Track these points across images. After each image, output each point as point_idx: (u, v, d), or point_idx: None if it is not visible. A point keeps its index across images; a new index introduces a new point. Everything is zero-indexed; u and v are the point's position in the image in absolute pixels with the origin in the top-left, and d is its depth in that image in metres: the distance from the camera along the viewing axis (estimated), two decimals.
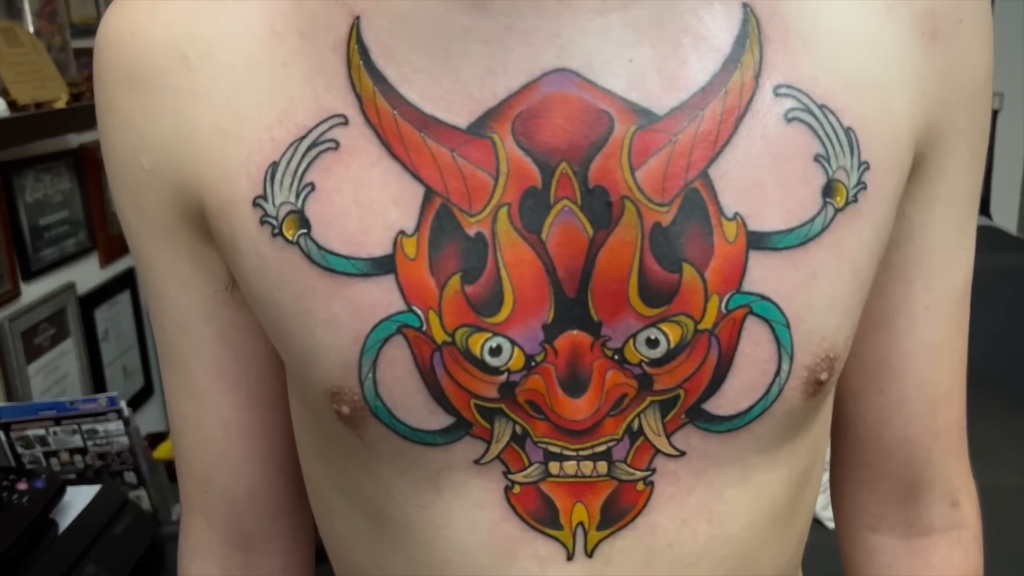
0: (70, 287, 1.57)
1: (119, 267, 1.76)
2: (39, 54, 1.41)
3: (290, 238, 0.35)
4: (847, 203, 0.35)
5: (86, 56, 1.72)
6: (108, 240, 1.72)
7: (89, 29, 1.76)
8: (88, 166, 1.67)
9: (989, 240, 2.36)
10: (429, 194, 0.34)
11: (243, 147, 0.36)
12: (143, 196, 0.39)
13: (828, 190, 0.35)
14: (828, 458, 0.51)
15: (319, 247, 0.35)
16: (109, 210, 1.72)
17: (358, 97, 0.35)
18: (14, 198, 1.43)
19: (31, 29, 1.45)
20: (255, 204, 0.36)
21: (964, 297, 0.45)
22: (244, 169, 0.36)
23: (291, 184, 0.35)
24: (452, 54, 0.34)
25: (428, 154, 0.34)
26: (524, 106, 0.34)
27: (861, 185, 0.36)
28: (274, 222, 0.35)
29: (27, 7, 1.42)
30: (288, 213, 0.35)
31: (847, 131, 0.35)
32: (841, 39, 0.36)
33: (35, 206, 1.50)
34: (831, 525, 0.54)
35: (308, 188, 0.35)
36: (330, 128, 0.35)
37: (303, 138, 0.35)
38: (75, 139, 1.61)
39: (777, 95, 0.35)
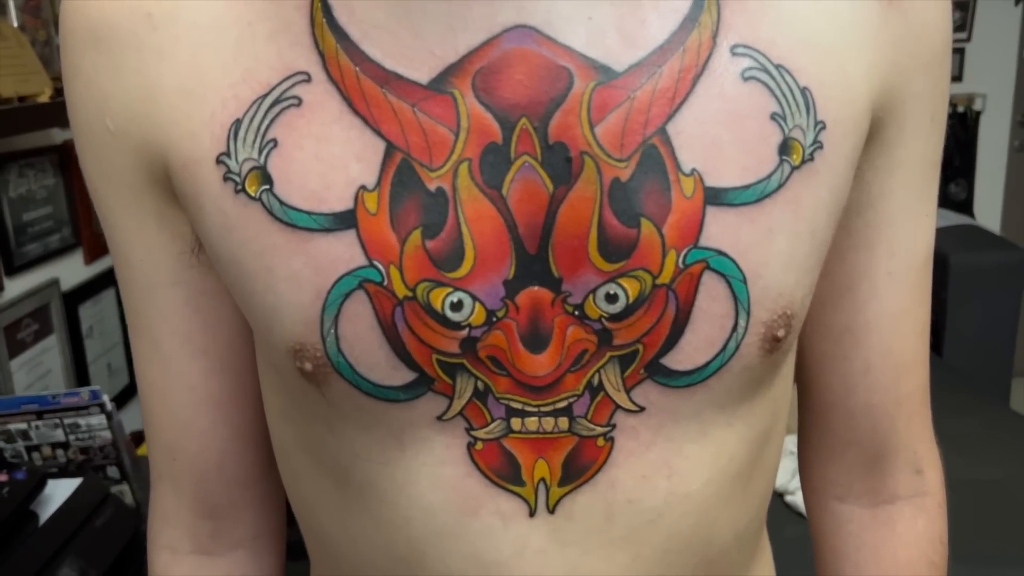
0: (54, 283, 1.57)
1: (104, 264, 1.75)
2: (23, 48, 1.41)
3: (252, 194, 0.35)
4: (803, 161, 0.36)
5: None
6: (93, 237, 1.72)
7: None
8: (73, 163, 1.66)
9: (973, 239, 2.38)
10: (390, 149, 0.34)
11: (207, 105, 0.36)
12: (108, 158, 0.40)
13: (784, 148, 0.36)
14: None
15: (281, 203, 0.35)
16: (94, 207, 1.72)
17: (321, 55, 0.35)
18: None
19: (15, 23, 1.45)
20: (218, 162, 0.36)
21: (926, 264, 0.45)
22: (208, 128, 0.36)
23: (254, 141, 0.35)
24: (413, 11, 0.34)
25: (389, 110, 0.34)
26: (484, 62, 0.34)
27: (817, 144, 0.36)
28: (237, 179, 0.36)
29: (11, 2, 1.42)
30: (251, 170, 0.35)
31: (803, 91, 0.36)
32: (800, 2, 0.37)
33: (18, 201, 1.49)
34: None
35: (271, 144, 0.35)
36: (293, 85, 0.35)
37: (266, 95, 0.35)
38: (59, 135, 1.60)
39: (734, 54, 0.35)
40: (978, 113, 2.82)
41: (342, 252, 0.35)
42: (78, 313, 1.66)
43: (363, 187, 0.34)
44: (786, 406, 0.45)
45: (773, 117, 0.35)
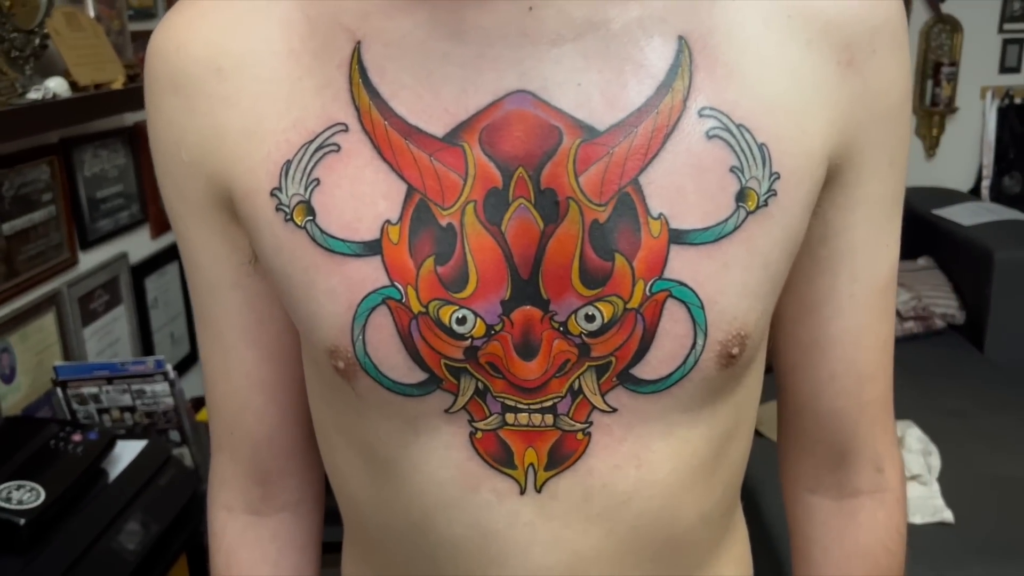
0: (123, 256, 1.68)
1: (169, 239, 1.87)
2: (98, 38, 1.51)
3: (299, 223, 0.43)
4: (758, 207, 0.42)
5: (142, 39, 1.82)
6: (159, 213, 1.83)
7: (146, 12, 1.87)
8: (142, 143, 1.77)
9: (1022, 235, 2.35)
10: (410, 191, 0.42)
11: (263, 146, 0.44)
12: (183, 182, 0.48)
13: (741, 196, 0.42)
14: None
15: (322, 231, 0.42)
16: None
17: (357, 109, 0.42)
18: (73, 172, 1.54)
19: (91, 14, 1.54)
20: (272, 194, 0.44)
21: (888, 286, 0.51)
22: (264, 165, 0.44)
23: (301, 179, 0.43)
24: (433, 75, 0.42)
25: (411, 157, 0.41)
26: (490, 120, 0.41)
27: (771, 192, 0.42)
28: (287, 210, 0.43)
29: None
30: (298, 203, 0.43)
31: (761, 147, 0.42)
32: (765, 67, 0.42)
33: (92, 180, 1.61)
34: None
35: (315, 183, 0.43)
36: (334, 134, 0.42)
37: (312, 141, 0.43)
38: (130, 118, 1.71)
39: (701, 116, 0.41)
40: None
41: (370, 273, 0.42)
42: (144, 285, 1.77)
43: (388, 221, 0.42)
44: (752, 408, 0.51)
45: (732, 170, 0.42)
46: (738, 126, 0.42)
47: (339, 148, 0.42)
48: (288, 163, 0.43)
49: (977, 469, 1.69)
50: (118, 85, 1.50)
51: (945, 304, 2.36)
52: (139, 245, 1.77)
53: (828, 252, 0.49)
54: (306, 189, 0.43)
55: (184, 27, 0.46)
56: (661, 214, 0.41)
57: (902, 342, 2.12)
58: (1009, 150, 2.79)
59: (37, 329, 1.41)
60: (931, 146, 2.74)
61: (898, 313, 2.30)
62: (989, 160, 2.73)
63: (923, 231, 2.51)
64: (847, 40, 0.44)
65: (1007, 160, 2.80)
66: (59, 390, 1.38)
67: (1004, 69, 2.70)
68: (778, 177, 0.42)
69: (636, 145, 0.41)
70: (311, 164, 0.43)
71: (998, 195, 2.78)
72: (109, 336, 1.64)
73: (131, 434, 1.39)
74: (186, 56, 0.45)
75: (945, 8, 2.60)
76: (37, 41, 1.37)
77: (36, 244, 1.41)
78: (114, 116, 1.59)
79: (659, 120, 0.41)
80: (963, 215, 2.46)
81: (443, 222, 0.41)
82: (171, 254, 1.88)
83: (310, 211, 0.43)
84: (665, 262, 0.41)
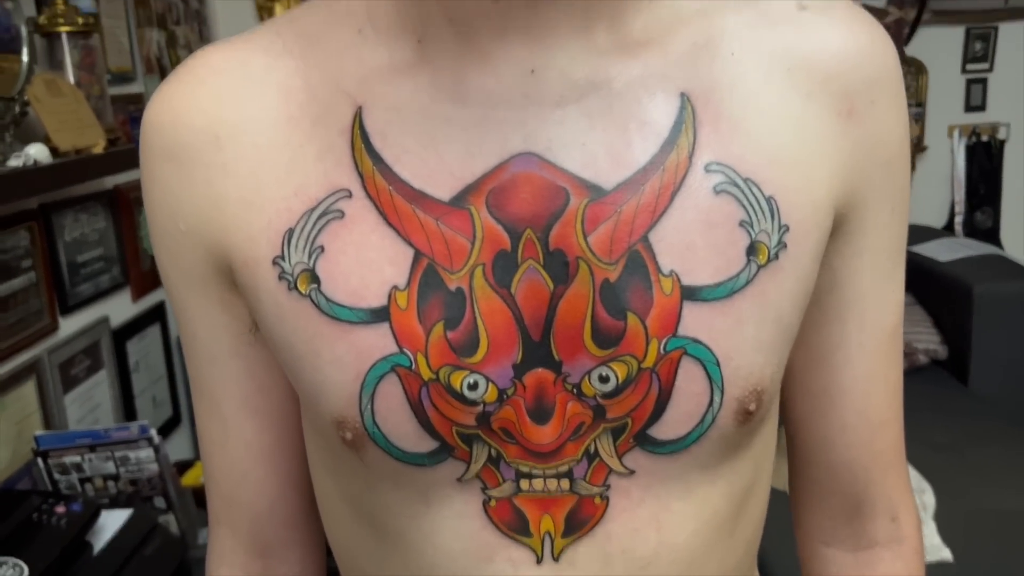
0: (104, 320, 1.66)
1: (150, 301, 1.85)
2: (79, 103, 1.51)
3: (303, 292, 0.42)
4: (769, 260, 0.42)
5: (121, 102, 1.82)
6: (140, 275, 1.81)
7: (125, 76, 1.87)
8: (122, 205, 1.76)
9: (998, 268, 2.39)
10: (418, 255, 0.41)
11: (264, 215, 0.43)
12: (180, 252, 0.47)
13: (751, 250, 0.42)
14: None
15: (327, 299, 0.42)
16: (141, 246, 1.82)
17: (360, 174, 0.42)
18: (54, 237, 1.52)
19: (71, 80, 1.54)
20: (274, 263, 0.43)
21: (895, 332, 0.51)
22: (265, 234, 0.43)
23: (304, 247, 0.42)
24: (437, 139, 0.41)
25: (417, 222, 0.41)
26: (496, 183, 0.41)
27: (782, 245, 0.42)
28: (290, 278, 0.42)
29: (68, 59, 1.52)
30: (302, 271, 0.42)
31: (768, 200, 0.42)
32: (768, 120, 0.43)
33: (73, 244, 1.59)
34: None
35: (318, 250, 0.42)
36: (337, 200, 0.42)
37: (315, 208, 0.42)
38: (110, 180, 1.70)
39: (708, 171, 0.41)
40: (1002, 142, 2.84)
41: (377, 341, 0.41)
42: (126, 348, 1.75)
43: (395, 287, 0.41)
44: (769, 461, 0.50)
45: (741, 224, 0.41)
46: (745, 180, 0.42)
47: (343, 214, 0.42)
48: (290, 231, 0.42)
49: (971, 504, 1.68)
50: (99, 150, 1.50)
51: (927, 340, 2.38)
52: (120, 308, 1.74)
53: (836, 301, 0.49)
54: (310, 257, 0.42)
55: (180, 97, 0.45)
56: (672, 271, 0.41)
57: None
58: (979, 186, 2.85)
59: (16, 398, 1.38)
60: None
61: None
62: (961, 196, 2.78)
63: None
64: (846, 91, 0.44)
65: (978, 196, 2.85)
66: (40, 460, 1.34)
67: (969, 108, 2.77)
68: (787, 229, 0.42)
69: (644, 203, 0.40)
70: (314, 231, 0.42)
71: (972, 230, 2.83)
72: (90, 402, 1.61)
73: (115, 503, 1.35)
74: (183, 126, 0.44)
75: (909, 51, 2.67)
76: (17, 108, 1.36)
77: (16, 311, 1.39)
78: (94, 180, 1.58)
79: (666, 177, 0.41)
80: (939, 251, 2.50)
81: (452, 286, 0.41)
82: (152, 316, 1.86)
83: (314, 279, 0.42)
84: (678, 319, 0.41)
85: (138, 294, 1.81)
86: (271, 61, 0.44)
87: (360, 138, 0.42)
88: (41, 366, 1.43)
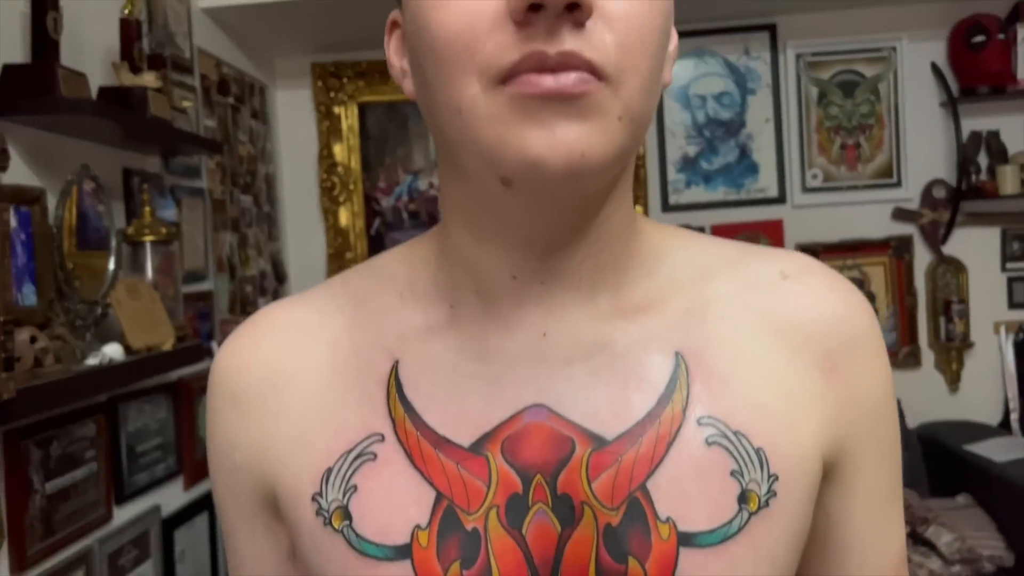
0: (155, 510, 1.70)
1: (201, 489, 1.89)
2: (154, 303, 1.64)
3: (336, 527, 0.47)
4: (760, 508, 0.46)
5: (192, 300, 1.96)
6: (194, 463, 1.87)
7: (198, 275, 2.02)
8: (183, 396, 1.86)
9: None
10: (439, 497, 0.46)
11: (308, 454, 0.49)
12: (234, 482, 0.53)
13: (743, 498, 0.46)
14: None
15: (357, 535, 0.46)
16: (198, 435, 1.89)
17: (392, 420, 0.48)
18: (117, 428, 1.60)
19: (150, 281, 1.68)
20: (313, 499, 0.48)
21: (900, 563, 0.53)
22: (307, 471, 0.49)
23: (340, 485, 0.48)
24: (461, 391, 0.47)
25: (440, 466, 0.46)
26: (510, 432, 0.46)
27: (772, 493, 0.46)
28: (326, 515, 0.48)
29: (149, 264, 1.66)
30: (336, 508, 0.47)
31: (758, 451, 0.46)
32: (755, 376, 0.48)
33: (134, 434, 1.67)
34: None
35: (352, 489, 0.47)
36: (371, 443, 0.48)
37: (351, 450, 0.48)
38: (175, 373, 1.80)
39: (700, 424, 0.46)
40: None
41: None
42: (173, 537, 1.78)
43: (418, 526, 0.46)
44: None
45: (732, 474, 0.46)
46: (735, 433, 0.46)
47: (375, 457, 0.47)
48: (329, 470, 0.48)
49: None
50: (168, 347, 1.60)
51: (991, 545, 2.27)
52: (172, 497, 1.79)
53: (834, 541, 0.51)
54: (344, 495, 0.47)
55: (246, 349, 0.53)
56: (669, 517, 0.45)
57: None
58: None
59: None
60: (953, 380, 2.77)
61: (943, 556, 2.22)
62: (1013, 393, 2.74)
63: (956, 468, 2.48)
64: (828, 350, 0.49)
65: None
66: None
67: (1013, 304, 2.78)
68: (776, 479, 0.46)
69: (642, 453, 0.45)
70: (350, 471, 0.48)
71: None
72: None
73: None
74: (247, 375, 0.52)
75: (947, 250, 2.73)
76: (99, 310, 1.49)
77: (74, 502, 1.45)
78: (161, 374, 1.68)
79: (662, 429, 0.46)
80: (995, 451, 2.44)
81: (468, 527, 0.45)
82: (202, 505, 1.90)
83: (347, 515, 0.47)
84: (676, 565, 0.44)
85: (191, 482, 1.86)
86: (324, 320, 0.52)
87: (395, 388, 0.48)
88: (92, 557, 1.47)
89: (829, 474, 0.50)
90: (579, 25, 0.40)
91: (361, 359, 0.50)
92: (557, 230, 0.46)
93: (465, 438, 0.47)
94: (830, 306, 0.50)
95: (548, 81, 0.40)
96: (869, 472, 0.51)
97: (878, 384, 0.51)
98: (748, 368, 0.48)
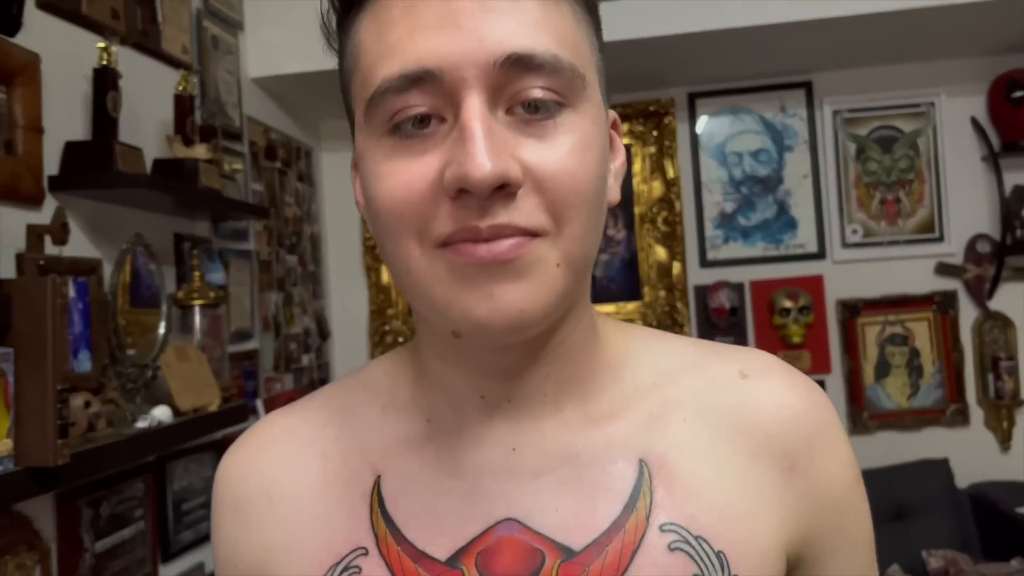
0: (200, 567, 1.74)
1: None
2: (202, 366, 1.69)
3: None
4: None
5: (238, 359, 2.02)
6: None
7: (243, 334, 2.08)
8: None
9: None
10: None
11: (299, 563, 0.51)
12: None
13: None
14: None
15: None
16: None
17: (375, 535, 0.50)
18: (164, 488, 1.65)
19: (197, 343, 1.74)
20: None
21: None
22: None
23: None
24: (438, 508, 0.50)
25: None
26: (484, 546, 0.48)
27: None
28: None
29: (197, 327, 1.72)
30: None
31: (718, 554, 0.48)
32: (716, 480, 0.50)
33: (180, 492, 1.71)
34: None
35: None
36: (356, 557, 0.50)
37: (339, 563, 0.50)
38: (220, 432, 1.85)
39: (663, 531, 0.48)
40: None
41: None
42: None
43: None
44: None
45: None
46: (696, 537, 0.48)
47: (360, 570, 0.50)
48: None
49: None
50: (214, 408, 1.65)
51: None
52: None
53: None
54: None
55: (247, 460, 0.56)
56: None
57: None
58: None
59: None
60: (1004, 439, 2.70)
61: None
62: None
63: (1009, 531, 2.40)
64: (786, 449, 0.51)
65: None
66: None
67: None
68: None
69: (608, 562, 0.47)
70: None
71: None
72: None
73: None
74: (246, 485, 0.55)
75: (992, 305, 2.69)
76: (150, 373, 1.55)
77: (121, 560, 1.49)
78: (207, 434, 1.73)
79: (626, 538, 0.48)
80: None
81: None
82: None
83: None
84: None
85: None
86: (315, 431, 0.55)
87: (377, 503, 0.51)
88: None
89: (795, 567, 0.52)
90: (511, 196, 0.43)
91: (348, 471, 0.53)
92: (514, 362, 0.50)
93: (442, 552, 0.49)
94: (788, 405, 0.52)
95: (482, 251, 0.43)
96: (839, 556, 0.53)
97: (840, 475, 0.53)
98: (709, 471, 0.50)
